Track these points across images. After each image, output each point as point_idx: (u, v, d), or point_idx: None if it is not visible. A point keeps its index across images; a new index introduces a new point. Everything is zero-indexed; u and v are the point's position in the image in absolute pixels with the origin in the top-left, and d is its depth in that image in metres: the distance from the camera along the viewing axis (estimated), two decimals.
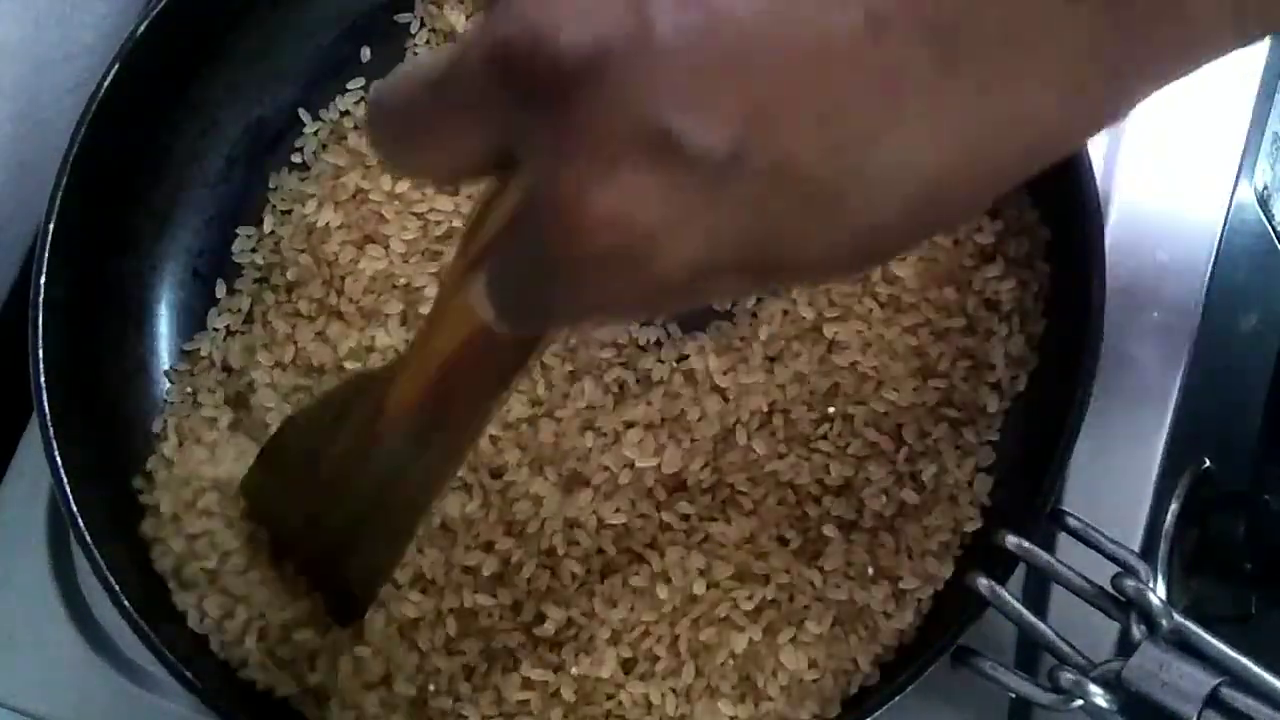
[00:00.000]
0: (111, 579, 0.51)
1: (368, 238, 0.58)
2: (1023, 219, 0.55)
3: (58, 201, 0.55)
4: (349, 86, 0.62)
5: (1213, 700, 0.42)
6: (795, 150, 0.26)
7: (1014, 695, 0.47)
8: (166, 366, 0.60)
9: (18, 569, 0.60)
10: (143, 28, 0.56)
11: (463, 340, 0.36)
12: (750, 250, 0.27)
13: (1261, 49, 0.58)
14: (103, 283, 0.58)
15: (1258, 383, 0.61)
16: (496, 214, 0.31)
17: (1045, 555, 0.47)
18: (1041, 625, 0.46)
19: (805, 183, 0.26)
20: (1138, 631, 0.45)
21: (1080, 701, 0.45)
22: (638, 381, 0.56)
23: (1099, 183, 0.50)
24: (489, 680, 0.53)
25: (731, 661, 0.52)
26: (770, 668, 0.52)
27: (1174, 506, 0.55)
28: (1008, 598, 0.46)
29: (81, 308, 0.57)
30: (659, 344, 0.57)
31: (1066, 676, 0.45)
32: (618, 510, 0.54)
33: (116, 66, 0.55)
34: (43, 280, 0.54)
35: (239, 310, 0.60)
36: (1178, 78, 0.30)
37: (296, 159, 0.61)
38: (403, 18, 0.62)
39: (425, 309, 0.57)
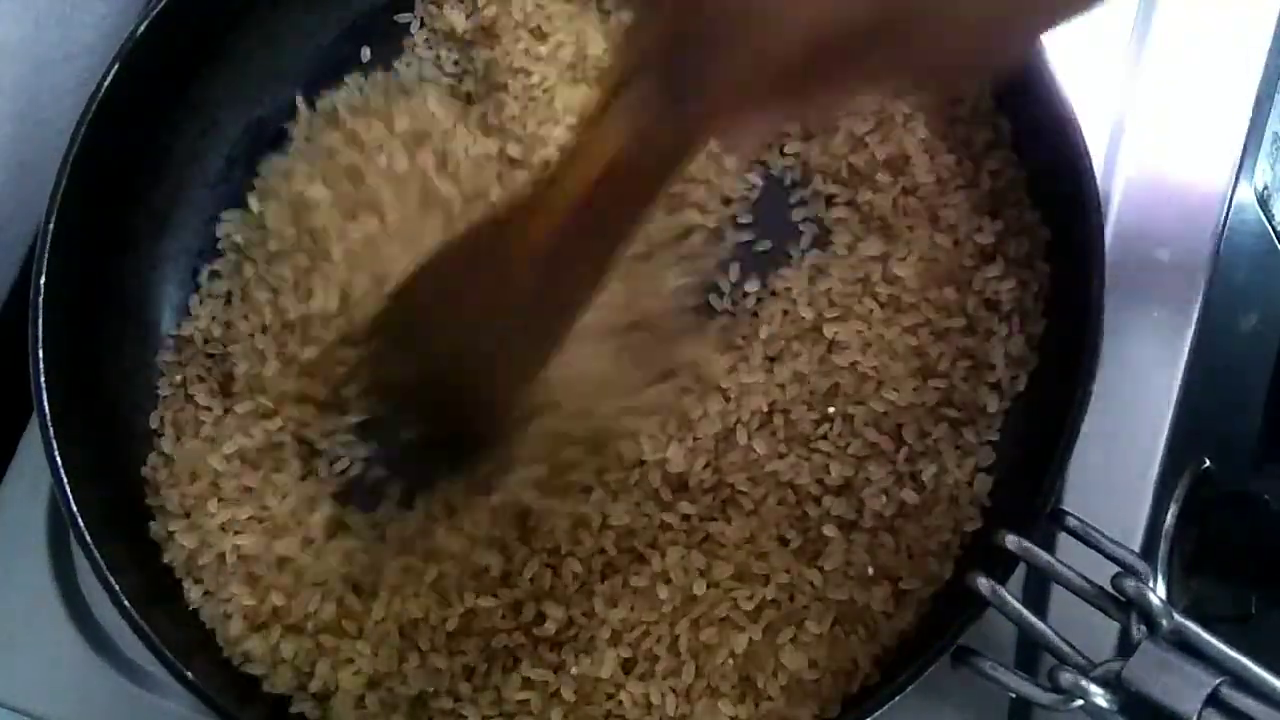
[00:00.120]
0: (111, 579, 0.52)
1: (359, 207, 0.58)
2: (1023, 219, 0.55)
3: (58, 201, 0.55)
4: (346, 81, 0.62)
5: (1213, 700, 0.42)
6: None
7: (1014, 695, 0.47)
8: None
9: (18, 569, 0.60)
10: (143, 28, 0.56)
11: (605, 164, 0.39)
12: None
13: (1261, 49, 0.58)
14: (103, 283, 0.58)
15: (1258, 383, 0.61)
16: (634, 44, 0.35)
17: (1045, 555, 0.47)
18: (1041, 625, 0.46)
19: None
20: (1138, 631, 0.45)
21: (1080, 701, 0.45)
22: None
23: (1099, 183, 0.50)
24: (489, 680, 0.53)
25: (731, 661, 0.52)
26: (770, 668, 0.52)
27: (1174, 506, 0.55)
28: (1008, 598, 0.46)
29: (81, 308, 0.57)
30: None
31: (1066, 676, 0.45)
32: (625, 511, 0.54)
33: (116, 66, 0.56)
34: (43, 280, 0.54)
35: (221, 294, 0.60)
36: None
37: (289, 148, 0.61)
38: (403, 18, 0.63)
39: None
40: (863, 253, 0.56)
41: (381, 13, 0.62)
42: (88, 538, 0.52)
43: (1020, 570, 0.48)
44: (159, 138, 0.60)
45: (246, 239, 0.60)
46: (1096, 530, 0.47)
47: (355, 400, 0.55)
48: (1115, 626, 0.47)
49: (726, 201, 0.58)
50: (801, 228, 0.57)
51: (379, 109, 0.60)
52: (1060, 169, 0.51)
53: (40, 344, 0.54)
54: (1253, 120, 0.58)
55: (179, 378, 0.59)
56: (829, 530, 0.53)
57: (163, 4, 0.56)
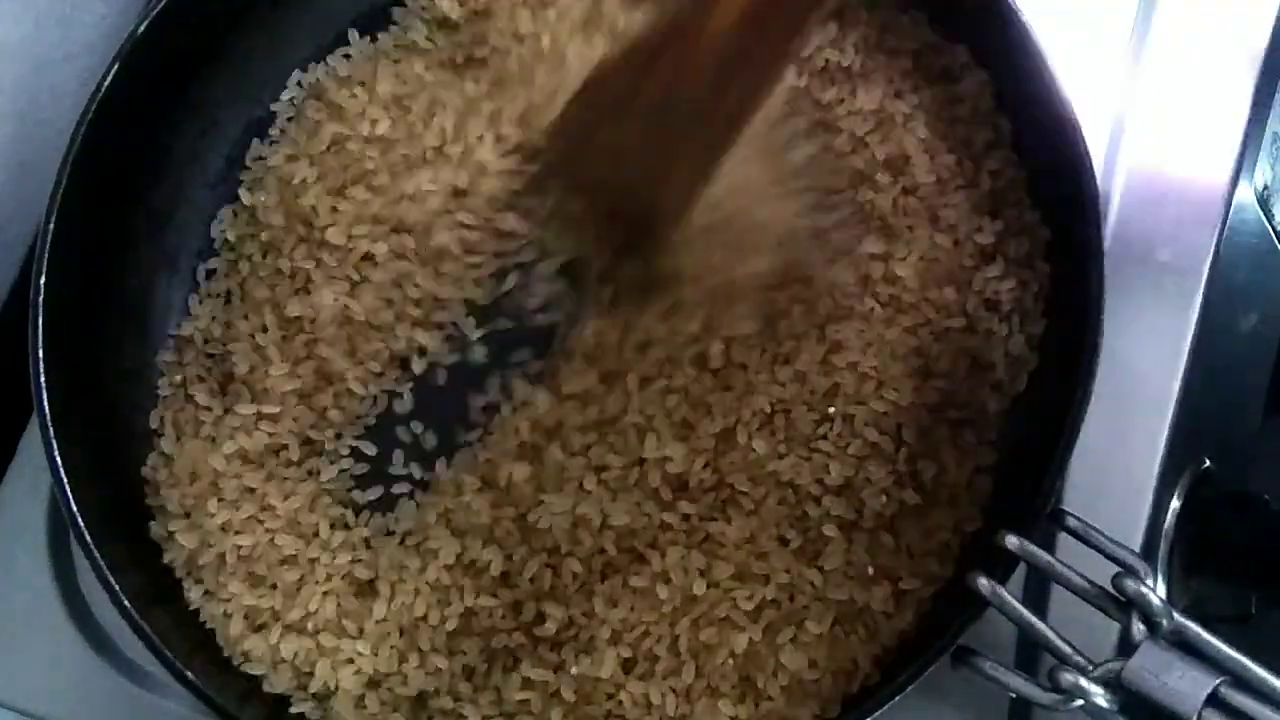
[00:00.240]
0: (111, 579, 0.51)
1: (348, 182, 0.59)
2: (1023, 219, 0.55)
3: (58, 201, 0.55)
4: (329, 60, 0.62)
5: (1213, 700, 0.42)
6: None
7: (1014, 695, 0.47)
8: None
9: (18, 569, 0.60)
10: (143, 28, 0.56)
11: None
12: None
13: (1261, 49, 0.58)
14: (103, 283, 0.58)
15: (1258, 383, 0.61)
16: None
17: (1045, 555, 0.47)
18: (1041, 625, 0.46)
19: None
20: (1138, 631, 0.45)
21: (1080, 701, 0.45)
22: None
23: (1099, 183, 0.50)
24: (489, 680, 0.53)
25: (731, 661, 0.52)
26: (770, 668, 0.52)
27: (1174, 506, 0.55)
28: (1008, 598, 0.46)
29: (81, 308, 0.57)
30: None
31: (1066, 677, 0.45)
32: (625, 511, 0.54)
33: (116, 66, 0.55)
34: (43, 280, 0.54)
35: (219, 294, 0.60)
36: None
37: (274, 133, 0.61)
38: (398, 13, 0.62)
39: (414, 240, 0.58)
40: (863, 252, 0.56)
41: (381, 11, 0.62)
42: (88, 538, 0.52)
43: (1020, 570, 0.48)
44: (159, 138, 0.60)
45: (240, 234, 0.60)
46: (1096, 530, 0.47)
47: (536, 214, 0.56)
48: (1115, 626, 0.47)
49: None
50: None
51: (362, 77, 0.60)
52: (1060, 169, 0.51)
53: (40, 344, 0.54)
54: (1252, 120, 0.58)
55: (179, 378, 0.59)
56: (829, 530, 0.53)
57: (163, 4, 0.56)
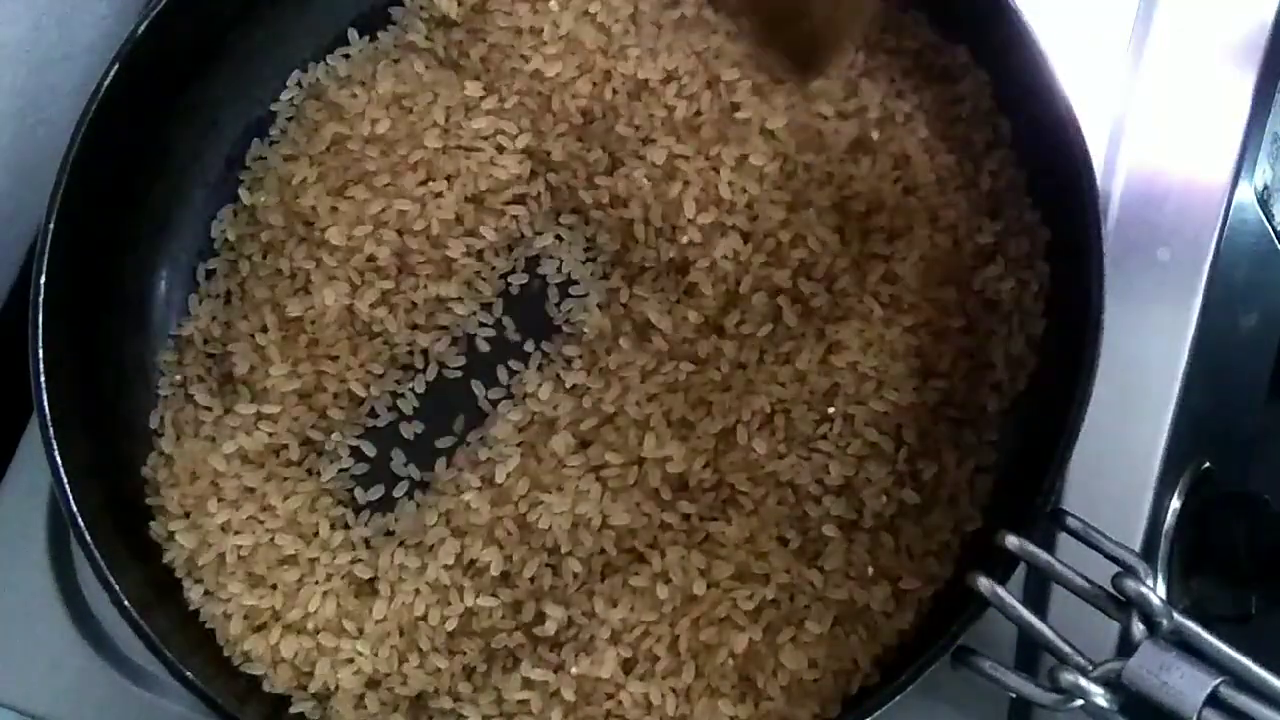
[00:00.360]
0: (111, 579, 0.52)
1: (348, 183, 0.58)
2: (1023, 219, 0.55)
3: (58, 201, 0.55)
4: (328, 60, 0.62)
5: (1213, 700, 0.42)
6: None
7: (1014, 695, 0.47)
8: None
9: (18, 569, 0.60)
10: (143, 28, 0.56)
11: None
12: None
13: (1261, 49, 0.58)
14: (103, 283, 0.58)
15: (1258, 383, 0.61)
16: None
17: (1045, 555, 0.47)
18: (1041, 625, 0.46)
19: None
20: (1138, 631, 0.45)
21: (1080, 701, 0.45)
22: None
23: (1099, 183, 0.50)
24: (489, 680, 0.53)
25: (731, 661, 0.52)
26: (770, 668, 0.52)
27: (1174, 506, 0.55)
28: (1008, 598, 0.46)
29: (81, 308, 0.57)
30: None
31: (1066, 677, 0.45)
32: (625, 511, 0.54)
33: (116, 66, 0.55)
34: (43, 280, 0.54)
35: (219, 294, 0.60)
36: None
37: (274, 133, 0.61)
38: (396, 11, 0.62)
39: (415, 241, 0.58)
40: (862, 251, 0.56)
41: (381, 11, 0.62)
42: (88, 538, 0.52)
43: (1020, 570, 0.48)
44: (159, 138, 0.60)
45: (240, 234, 0.60)
46: (1096, 530, 0.47)
47: None
48: (1115, 626, 0.47)
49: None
50: None
51: (362, 77, 0.60)
52: (1060, 169, 0.51)
53: (40, 344, 0.54)
54: (1252, 120, 0.58)
55: (179, 378, 0.59)
56: (829, 530, 0.53)
57: (163, 4, 0.56)
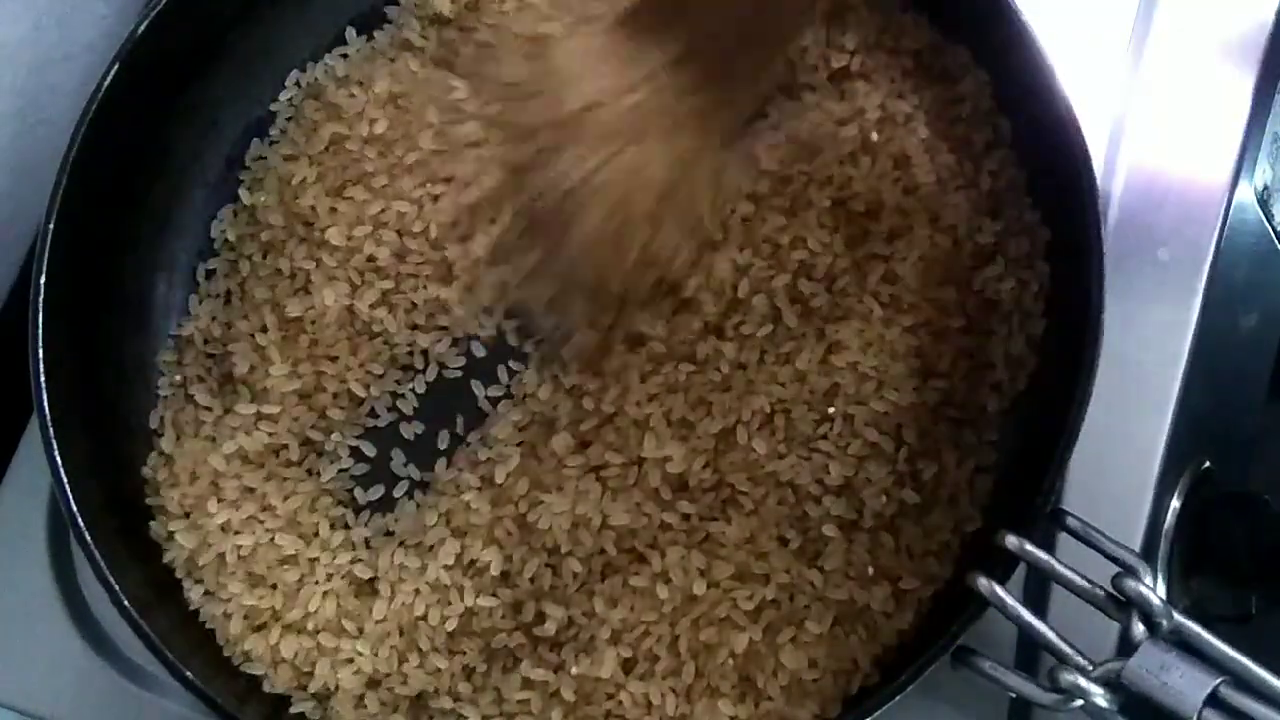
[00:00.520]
0: (111, 579, 0.51)
1: (346, 183, 0.59)
2: (1023, 219, 0.55)
3: (58, 201, 0.54)
4: (327, 59, 0.62)
5: (1213, 700, 0.42)
6: None
7: (1014, 695, 0.47)
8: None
9: (18, 569, 0.60)
10: (143, 28, 0.56)
11: None
12: None
13: (1261, 49, 0.58)
14: (103, 283, 0.58)
15: (1258, 383, 0.61)
16: None
17: (1045, 555, 0.47)
18: (1041, 625, 0.46)
19: None
20: (1138, 631, 0.45)
21: (1080, 701, 0.45)
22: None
23: (1099, 183, 0.50)
24: (489, 680, 0.53)
25: (731, 661, 0.52)
26: (770, 668, 0.52)
27: (1174, 506, 0.55)
28: (1008, 598, 0.46)
29: (81, 308, 0.57)
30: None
31: (1066, 677, 0.45)
32: (625, 511, 0.54)
33: (116, 66, 0.55)
34: (43, 280, 0.54)
35: (219, 294, 0.60)
36: None
37: (274, 133, 0.61)
38: (392, 11, 0.62)
39: (415, 242, 0.58)
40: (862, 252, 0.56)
41: (380, 10, 0.62)
42: (88, 538, 0.52)
43: (1020, 570, 0.48)
44: (159, 138, 0.60)
45: (240, 234, 0.60)
46: (1096, 530, 0.47)
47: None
48: (1115, 626, 0.47)
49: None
50: None
51: (360, 77, 0.60)
52: (1060, 169, 0.51)
53: (40, 344, 0.53)
54: (1252, 120, 0.58)
55: (179, 378, 0.59)
56: (829, 530, 0.53)
57: (163, 4, 0.56)
